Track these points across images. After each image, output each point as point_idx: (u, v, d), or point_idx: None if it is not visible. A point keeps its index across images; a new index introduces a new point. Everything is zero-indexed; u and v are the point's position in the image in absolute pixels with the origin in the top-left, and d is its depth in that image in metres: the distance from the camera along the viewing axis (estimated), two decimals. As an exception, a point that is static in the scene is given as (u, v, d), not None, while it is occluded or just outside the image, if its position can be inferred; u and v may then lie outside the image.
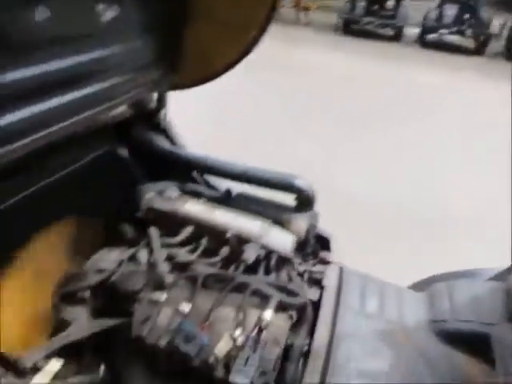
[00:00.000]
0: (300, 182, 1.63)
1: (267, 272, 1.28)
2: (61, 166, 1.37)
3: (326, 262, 1.67)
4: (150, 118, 1.76)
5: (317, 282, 1.50)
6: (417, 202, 3.35)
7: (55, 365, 0.96)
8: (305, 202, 1.63)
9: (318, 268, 1.60)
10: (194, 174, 1.83)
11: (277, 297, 1.13)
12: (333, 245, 1.87)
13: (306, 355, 1.20)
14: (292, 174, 1.67)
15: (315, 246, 1.75)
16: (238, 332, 1.03)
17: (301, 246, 1.60)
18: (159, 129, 1.79)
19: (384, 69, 6.10)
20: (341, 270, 1.62)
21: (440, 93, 5.37)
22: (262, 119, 4.46)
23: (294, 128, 4.38)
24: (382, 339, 1.39)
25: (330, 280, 1.53)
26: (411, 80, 5.74)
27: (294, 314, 1.16)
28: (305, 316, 1.20)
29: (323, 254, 1.75)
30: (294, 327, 1.16)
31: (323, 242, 1.83)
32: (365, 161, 3.89)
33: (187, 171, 1.79)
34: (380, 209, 3.22)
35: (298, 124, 4.49)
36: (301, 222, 1.59)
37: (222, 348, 0.98)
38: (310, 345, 1.22)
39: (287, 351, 1.11)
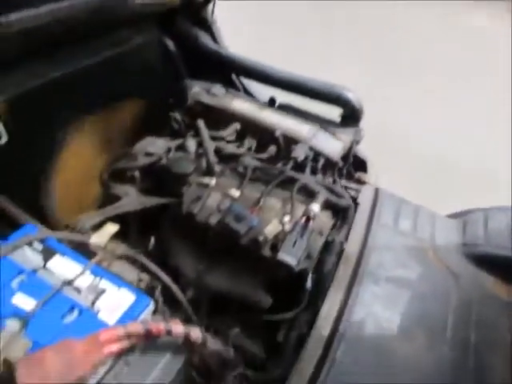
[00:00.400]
0: (348, 95, 1.56)
1: (313, 173, 1.28)
2: (107, 47, 1.31)
3: (361, 182, 1.66)
4: (196, 12, 1.66)
5: (351, 199, 1.51)
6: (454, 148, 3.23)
7: (112, 228, 1.00)
8: (351, 115, 1.58)
9: (354, 186, 1.59)
10: (234, 78, 1.75)
11: (324, 194, 1.14)
12: (369, 167, 1.84)
13: (340, 257, 1.24)
14: (340, 85, 1.59)
15: (350, 166, 1.72)
16: (286, 218, 1.05)
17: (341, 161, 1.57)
18: (204, 26, 1.69)
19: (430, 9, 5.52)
20: (376, 190, 1.61)
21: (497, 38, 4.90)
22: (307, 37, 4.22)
23: (341, 51, 4.16)
24: (412, 254, 1.42)
25: (365, 197, 1.53)
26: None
27: (337, 213, 1.17)
28: (347, 218, 1.22)
29: (359, 175, 1.73)
30: (336, 226, 1.18)
31: (360, 163, 1.81)
32: (408, 93, 3.72)
33: (228, 74, 1.71)
34: (414, 147, 3.15)
35: (345, 48, 4.25)
36: (345, 136, 1.55)
37: (270, 230, 1.01)
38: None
39: (327, 246, 1.14)
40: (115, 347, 0.76)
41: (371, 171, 1.84)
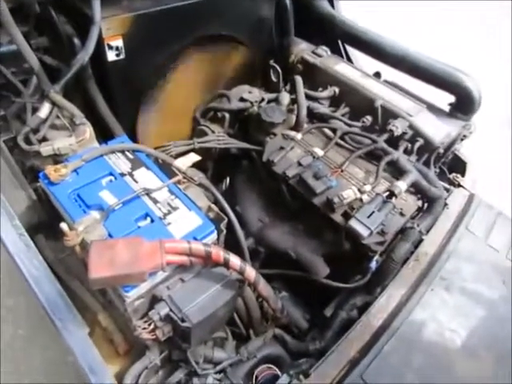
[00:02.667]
0: (469, 83, 1.38)
1: (407, 153, 1.17)
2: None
3: (454, 184, 1.48)
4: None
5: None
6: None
7: (195, 157, 1.04)
8: (465, 106, 1.40)
9: (444, 186, 1.42)
10: (340, 45, 1.65)
11: (414, 175, 1.03)
12: (469, 172, 1.63)
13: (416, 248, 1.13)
14: (459, 70, 1.41)
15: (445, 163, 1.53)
16: (367, 188, 0.98)
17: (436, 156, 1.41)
18: (323, -13, 1.61)
19: None
20: (471, 196, 1.42)
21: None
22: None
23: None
24: (499, 273, 1.24)
25: (456, 200, 1.37)
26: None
27: (424, 202, 1.06)
28: (433, 210, 1.10)
29: (454, 176, 1.55)
30: (419, 213, 1.08)
31: (458, 164, 1.61)
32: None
33: (335, 39, 1.62)
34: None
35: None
36: (449, 128, 1.38)
37: (348, 194, 0.95)
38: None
39: (404, 231, 1.04)
40: (176, 259, 0.79)
41: (469, 175, 1.63)
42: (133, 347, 0.95)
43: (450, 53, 1.49)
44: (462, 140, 1.45)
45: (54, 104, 0.95)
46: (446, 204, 1.31)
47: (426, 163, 1.23)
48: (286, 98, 1.22)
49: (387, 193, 0.98)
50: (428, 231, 1.12)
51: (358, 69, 1.40)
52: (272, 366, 0.98)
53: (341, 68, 1.33)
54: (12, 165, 0.97)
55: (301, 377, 0.92)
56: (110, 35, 1.06)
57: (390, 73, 1.56)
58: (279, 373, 0.96)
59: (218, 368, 0.94)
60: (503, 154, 2.65)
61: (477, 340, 1.06)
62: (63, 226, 0.77)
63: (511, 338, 1.07)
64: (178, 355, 0.92)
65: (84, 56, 1.00)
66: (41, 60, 1.03)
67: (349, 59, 1.65)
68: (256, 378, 0.97)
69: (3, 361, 1.57)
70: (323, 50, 1.41)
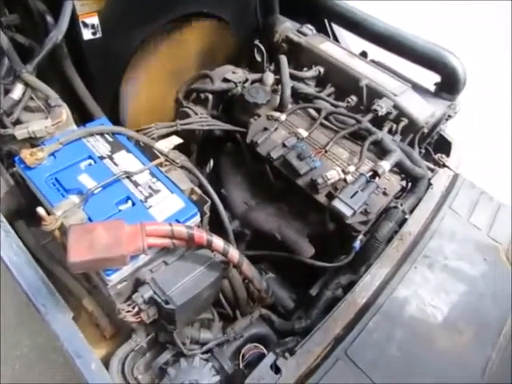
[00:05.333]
0: (454, 61, 1.37)
1: (392, 133, 1.17)
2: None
3: (439, 164, 1.49)
4: None
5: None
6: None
7: (177, 139, 1.02)
8: (450, 86, 1.39)
9: (430, 166, 1.43)
10: (326, 23, 1.62)
11: (398, 155, 1.03)
12: (454, 151, 1.64)
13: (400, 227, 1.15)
14: (445, 49, 1.40)
15: (431, 143, 1.54)
16: (350, 168, 0.98)
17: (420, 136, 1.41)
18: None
19: None
20: (455, 176, 1.44)
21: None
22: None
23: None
24: (480, 250, 1.27)
25: (440, 179, 1.39)
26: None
27: (408, 181, 1.07)
28: (417, 189, 1.11)
29: (439, 156, 1.56)
30: (403, 193, 1.08)
31: (443, 144, 1.62)
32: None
33: (321, 18, 1.58)
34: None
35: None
36: (434, 108, 1.38)
37: (332, 175, 0.95)
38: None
39: (388, 211, 1.05)
40: (158, 242, 0.79)
41: (454, 155, 1.64)
42: (119, 331, 0.95)
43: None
44: (446, 120, 1.46)
45: (26, 85, 0.92)
46: (430, 184, 1.32)
47: (411, 143, 1.23)
48: (270, 78, 1.20)
49: (371, 173, 0.98)
50: (412, 211, 1.13)
51: (344, 48, 1.37)
52: (258, 344, 0.99)
53: (326, 47, 1.31)
54: (-14, 150, 0.93)
55: (286, 354, 0.93)
56: (85, 12, 1.01)
57: (377, 52, 1.54)
58: (265, 351, 0.98)
59: (205, 348, 0.94)
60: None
61: (457, 315, 1.09)
62: (40, 210, 0.75)
63: (490, 313, 1.11)
64: (164, 337, 0.93)
65: (57, 34, 0.95)
66: (12, 39, 0.98)
67: (335, 38, 1.62)
68: (243, 356, 0.99)
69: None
70: (308, 29, 1.38)
